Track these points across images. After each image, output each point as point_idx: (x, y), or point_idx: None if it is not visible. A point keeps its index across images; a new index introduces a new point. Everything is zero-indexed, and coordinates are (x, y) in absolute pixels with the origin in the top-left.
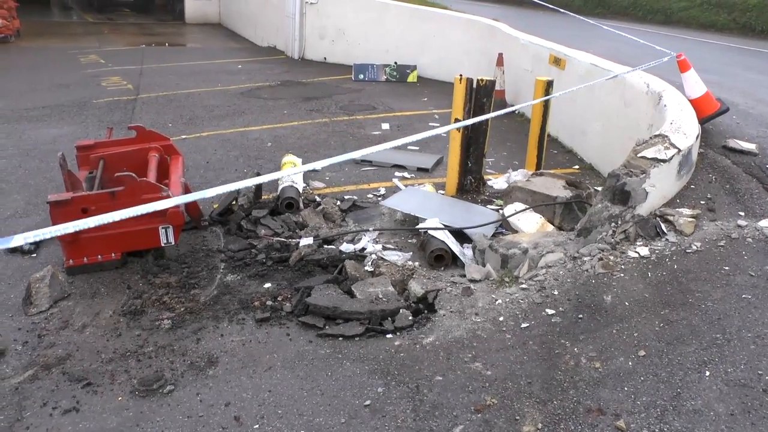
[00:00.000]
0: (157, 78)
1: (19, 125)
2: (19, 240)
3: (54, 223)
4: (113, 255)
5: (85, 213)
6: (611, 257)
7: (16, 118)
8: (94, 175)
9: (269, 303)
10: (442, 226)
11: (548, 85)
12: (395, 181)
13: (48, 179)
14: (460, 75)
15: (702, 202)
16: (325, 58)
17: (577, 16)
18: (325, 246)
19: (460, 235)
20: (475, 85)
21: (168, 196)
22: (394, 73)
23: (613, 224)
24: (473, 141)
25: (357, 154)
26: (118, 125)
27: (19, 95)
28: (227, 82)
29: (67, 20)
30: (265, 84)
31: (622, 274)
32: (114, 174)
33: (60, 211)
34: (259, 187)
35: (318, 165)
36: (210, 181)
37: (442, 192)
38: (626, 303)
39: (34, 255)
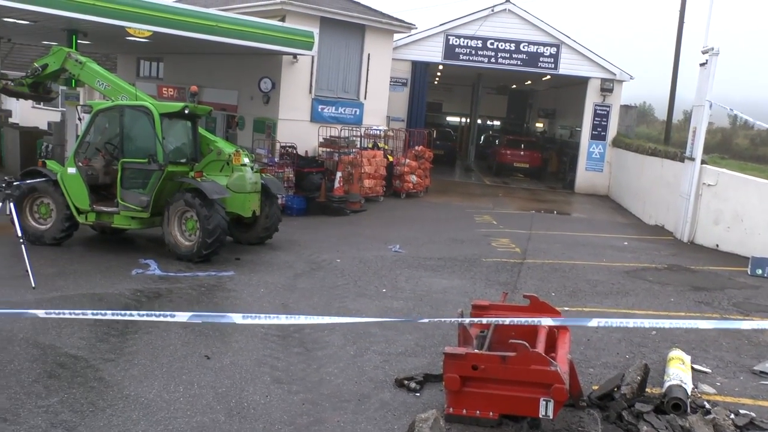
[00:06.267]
0: (543, 245)
1: (416, 272)
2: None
3: (445, 373)
4: (491, 414)
5: (475, 370)
6: None
7: (415, 265)
8: (485, 335)
9: None
10: None
11: None
12: None
13: (435, 326)
14: None
15: None
16: (717, 245)
17: None
18: None
19: None
20: None
21: (556, 371)
22: None
23: None
24: None
25: None
26: (504, 286)
27: (420, 244)
28: (612, 257)
29: (467, 181)
30: (651, 265)
31: None
32: (503, 337)
33: (453, 363)
34: (644, 379)
35: None
36: (590, 359)
37: None
38: None
39: (418, 395)
